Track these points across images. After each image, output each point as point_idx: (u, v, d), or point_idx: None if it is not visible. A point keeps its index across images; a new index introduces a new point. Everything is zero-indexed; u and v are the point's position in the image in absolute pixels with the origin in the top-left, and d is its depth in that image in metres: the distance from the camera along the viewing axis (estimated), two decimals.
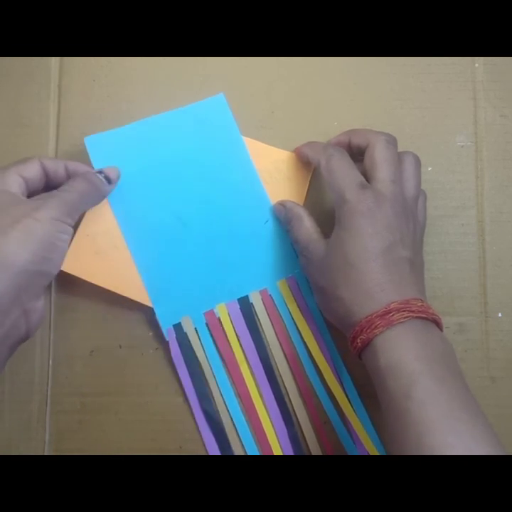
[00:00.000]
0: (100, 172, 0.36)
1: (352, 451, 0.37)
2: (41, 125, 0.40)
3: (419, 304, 0.32)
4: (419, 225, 0.36)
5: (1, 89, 0.40)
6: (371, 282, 0.32)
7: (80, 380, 0.38)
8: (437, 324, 0.33)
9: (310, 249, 0.35)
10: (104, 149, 0.37)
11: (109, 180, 0.36)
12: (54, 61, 0.40)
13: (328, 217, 0.39)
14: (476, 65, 0.41)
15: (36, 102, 0.40)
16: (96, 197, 0.36)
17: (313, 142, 0.38)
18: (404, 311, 0.31)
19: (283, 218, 0.38)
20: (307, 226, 0.36)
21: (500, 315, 0.39)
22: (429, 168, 0.40)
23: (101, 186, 0.35)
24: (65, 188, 0.34)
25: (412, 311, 0.31)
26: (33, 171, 0.35)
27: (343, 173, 0.34)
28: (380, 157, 0.35)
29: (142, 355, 0.38)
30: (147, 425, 0.38)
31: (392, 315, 0.31)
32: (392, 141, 0.36)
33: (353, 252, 0.33)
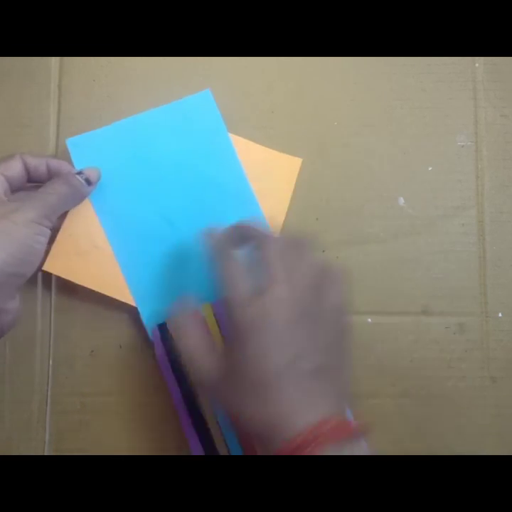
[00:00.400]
0: (81, 173, 0.36)
1: None
2: (41, 125, 0.40)
3: (331, 423, 0.28)
4: (326, 322, 0.31)
5: (1, 89, 0.40)
6: (272, 408, 0.29)
7: (79, 380, 0.38)
8: (358, 433, 0.29)
9: (199, 364, 0.31)
10: (86, 150, 0.37)
11: (89, 182, 0.36)
12: (54, 61, 0.40)
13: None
14: (476, 65, 0.41)
15: (36, 102, 0.40)
16: (75, 199, 0.36)
17: (215, 233, 0.34)
18: (313, 441, 0.27)
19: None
20: (197, 341, 0.32)
21: (500, 315, 0.39)
22: (429, 168, 0.40)
23: (81, 188, 0.35)
24: (44, 190, 0.34)
25: (321, 438, 0.27)
26: (16, 169, 0.35)
27: (230, 282, 0.31)
28: (266, 258, 0.31)
29: (142, 355, 0.38)
30: (147, 425, 0.38)
31: (300, 451, 0.27)
32: (280, 238, 0.33)
33: (246, 376, 0.30)
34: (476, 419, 0.38)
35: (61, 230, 0.37)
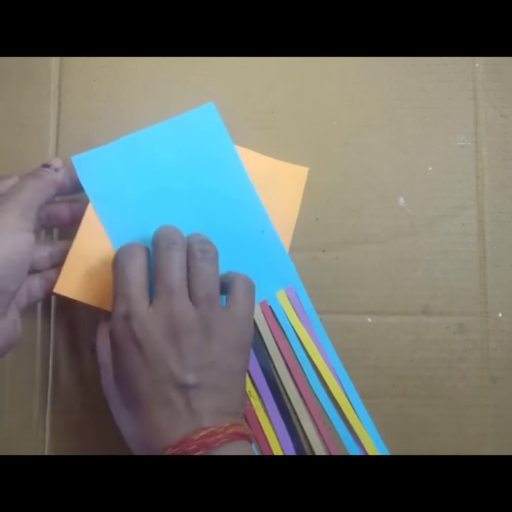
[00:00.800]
0: (46, 165, 0.35)
1: (355, 453, 0.37)
2: (41, 125, 0.40)
3: (200, 434, 0.29)
4: (220, 336, 0.31)
5: (1, 89, 0.40)
6: (139, 427, 0.30)
7: (80, 380, 0.38)
8: (244, 437, 0.30)
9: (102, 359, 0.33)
10: (93, 167, 0.36)
11: (56, 169, 0.34)
12: (54, 61, 0.40)
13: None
14: (476, 64, 0.41)
15: (36, 102, 0.40)
16: (48, 188, 0.34)
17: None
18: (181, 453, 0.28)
19: None
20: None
21: (500, 315, 0.39)
22: (429, 168, 0.40)
23: (48, 176, 0.34)
24: (14, 190, 0.32)
25: (190, 450, 0.28)
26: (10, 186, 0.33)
27: (116, 294, 0.32)
28: (156, 268, 0.32)
29: None
30: None
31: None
32: (169, 244, 0.32)
33: (125, 393, 0.31)
34: (476, 419, 0.38)
35: (71, 251, 0.35)
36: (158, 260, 0.32)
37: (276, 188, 0.39)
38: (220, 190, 0.38)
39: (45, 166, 0.35)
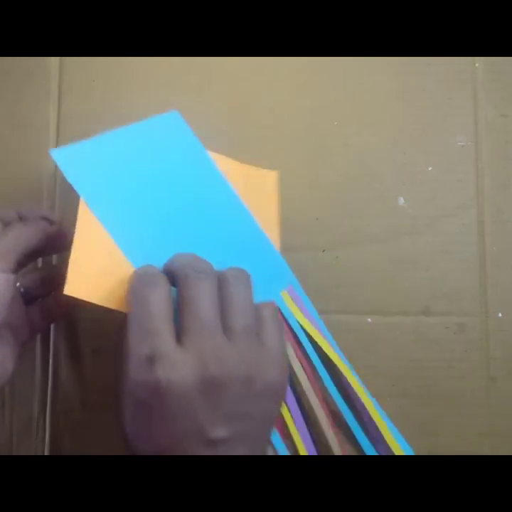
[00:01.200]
0: (44, 218, 0.33)
1: (370, 452, 0.36)
2: (41, 125, 0.40)
3: None
4: (251, 373, 0.27)
5: (1, 89, 0.40)
6: None
7: (80, 380, 0.38)
8: None
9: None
10: (74, 161, 0.33)
11: (51, 223, 0.32)
12: (54, 61, 0.40)
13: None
14: (476, 64, 0.41)
15: (36, 102, 0.40)
16: (38, 238, 0.32)
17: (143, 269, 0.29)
18: None
19: None
20: None
21: (500, 315, 0.39)
22: (429, 168, 0.40)
23: (41, 226, 0.32)
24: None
25: None
26: None
27: (135, 332, 0.27)
28: (182, 300, 0.27)
29: None
30: None
31: None
32: (197, 272, 0.28)
33: (139, 442, 0.27)
34: (476, 419, 0.38)
35: (72, 252, 0.31)
36: (185, 291, 0.27)
37: (253, 192, 0.37)
38: (198, 198, 0.36)
39: (44, 218, 0.33)
